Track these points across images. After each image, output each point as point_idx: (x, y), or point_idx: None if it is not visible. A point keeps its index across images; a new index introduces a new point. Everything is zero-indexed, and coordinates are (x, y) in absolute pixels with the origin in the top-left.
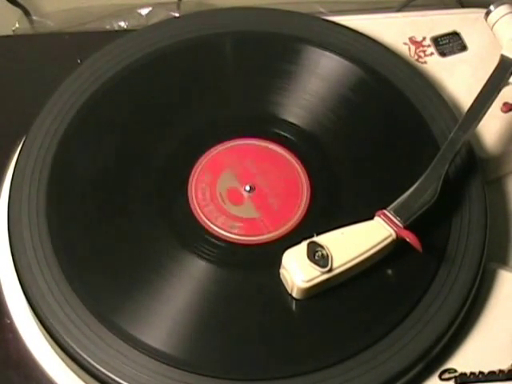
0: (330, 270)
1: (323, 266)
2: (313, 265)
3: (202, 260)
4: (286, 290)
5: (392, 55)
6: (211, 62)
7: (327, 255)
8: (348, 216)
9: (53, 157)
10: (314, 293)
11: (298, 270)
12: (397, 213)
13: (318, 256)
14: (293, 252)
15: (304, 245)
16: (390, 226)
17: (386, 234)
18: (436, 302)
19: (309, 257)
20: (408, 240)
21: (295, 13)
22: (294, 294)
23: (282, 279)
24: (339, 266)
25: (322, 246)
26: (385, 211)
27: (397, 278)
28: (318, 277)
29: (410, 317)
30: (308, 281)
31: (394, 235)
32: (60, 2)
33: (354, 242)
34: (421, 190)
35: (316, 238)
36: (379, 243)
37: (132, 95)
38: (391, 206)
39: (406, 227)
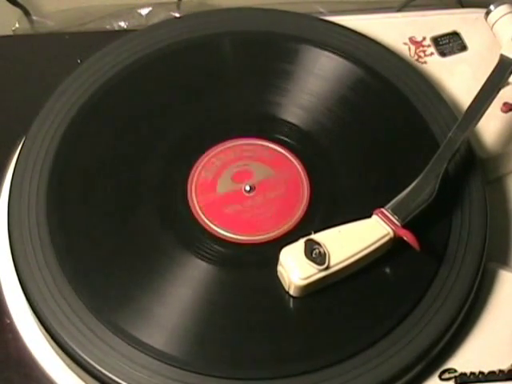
0: (327, 268)
1: (320, 264)
2: (310, 262)
3: (202, 260)
4: (284, 288)
5: (392, 55)
6: (211, 62)
7: (324, 253)
8: (348, 215)
9: (53, 157)
10: (311, 290)
11: (295, 268)
12: (394, 211)
13: (315, 254)
14: (290, 249)
15: (301, 242)
16: (388, 225)
17: (384, 232)
18: (436, 301)
19: (306, 254)
20: (405, 238)
21: (295, 13)
22: (291, 292)
23: (280, 276)
24: (336, 264)
25: (319, 244)
26: (382, 209)
27: (397, 278)
28: (314, 274)
29: (410, 316)
30: (305, 278)
31: (391, 234)
32: (60, 1)
33: (352, 240)
34: (418, 189)
35: (313, 236)
36: (376, 241)
37: (132, 95)
38: (389, 204)
39: (404, 226)
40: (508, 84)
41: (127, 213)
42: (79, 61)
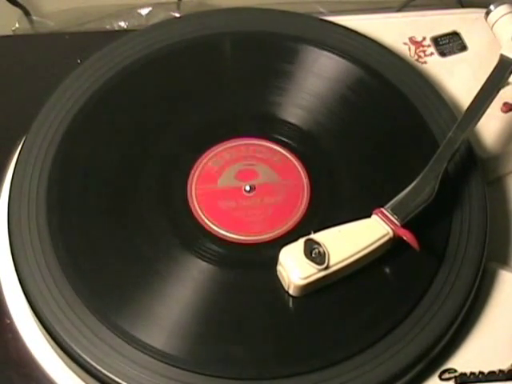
0: (327, 268)
1: (320, 264)
2: (309, 262)
3: (202, 260)
4: (283, 288)
5: (392, 55)
6: (211, 61)
7: (324, 253)
8: (348, 215)
9: (53, 157)
10: (311, 290)
11: (294, 267)
12: (394, 211)
13: (314, 253)
14: (290, 249)
15: (301, 242)
16: (387, 224)
17: (383, 232)
18: (436, 301)
19: (305, 254)
20: (405, 238)
21: (294, 13)
22: (291, 291)
23: (279, 276)
24: (336, 264)
25: (318, 244)
26: (382, 209)
27: (397, 278)
28: (314, 274)
29: (409, 317)
30: (304, 278)
31: (391, 233)
32: (60, 2)
33: (351, 240)
34: (418, 189)
35: (313, 236)
36: (376, 241)
37: (132, 95)
38: (389, 204)
39: (404, 226)
40: (508, 84)
41: (127, 213)
42: (79, 61)
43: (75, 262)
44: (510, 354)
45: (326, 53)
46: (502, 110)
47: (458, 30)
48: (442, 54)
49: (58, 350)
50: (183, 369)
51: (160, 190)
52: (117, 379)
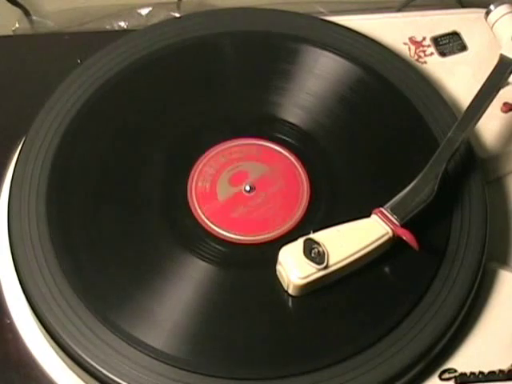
0: (326, 267)
1: (319, 263)
2: (309, 262)
3: (202, 260)
4: (283, 287)
5: (392, 55)
6: (211, 62)
7: (323, 252)
8: (348, 215)
9: (53, 157)
10: (310, 290)
11: (293, 267)
12: (393, 211)
13: (314, 253)
14: (289, 249)
15: (300, 242)
16: (387, 224)
17: (383, 231)
18: (436, 301)
19: (305, 254)
20: (404, 238)
21: (294, 13)
22: (290, 291)
23: (278, 276)
24: (335, 264)
25: (318, 243)
26: (381, 209)
27: (397, 278)
28: (313, 274)
29: (410, 317)
30: (304, 278)
31: (390, 233)
32: (60, 1)
33: (351, 240)
34: (418, 189)
35: (312, 235)
36: (375, 241)
37: (132, 95)
38: (388, 203)
39: (403, 225)
40: (508, 84)
41: (127, 213)
42: (79, 61)
43: (75, 261)
44: (510, 354)
45: (325, 53)
46: (502, 109)
47: (458, 30)
48: (442, 54)
49: (58, 349)
50: (183, 369)
51: (160, 190)
52: (116, 379)
